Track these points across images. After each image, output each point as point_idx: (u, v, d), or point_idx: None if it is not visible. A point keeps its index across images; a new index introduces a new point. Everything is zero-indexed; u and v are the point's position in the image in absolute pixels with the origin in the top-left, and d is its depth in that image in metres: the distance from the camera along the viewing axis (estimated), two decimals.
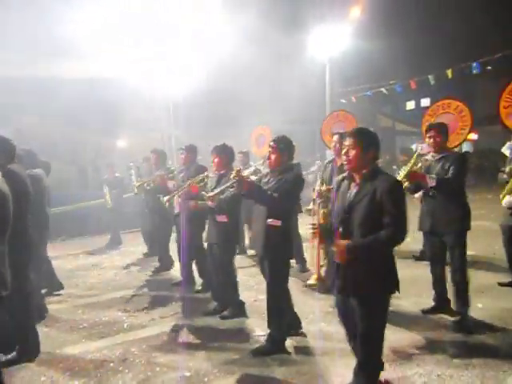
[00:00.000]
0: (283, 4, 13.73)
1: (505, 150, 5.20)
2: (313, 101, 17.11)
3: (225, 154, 4.65)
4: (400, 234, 2.72)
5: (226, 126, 13.84)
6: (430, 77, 13.59)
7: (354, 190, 2.89)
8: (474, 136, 28.27)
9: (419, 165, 4.35)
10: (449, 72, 13.26)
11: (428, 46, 16.90)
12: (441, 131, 4.27)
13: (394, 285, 2.87)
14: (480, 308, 4.61)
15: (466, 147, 26.68)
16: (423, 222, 4.43)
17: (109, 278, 6.64)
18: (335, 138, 4.98)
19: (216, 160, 4.64)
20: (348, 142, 2.90)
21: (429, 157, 4.38)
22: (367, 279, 2.77)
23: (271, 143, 3.82)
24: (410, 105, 31.32)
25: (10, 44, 10.75)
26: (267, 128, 8.82)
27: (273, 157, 3.78)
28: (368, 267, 2.76)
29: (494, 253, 7.13)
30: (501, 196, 5.08)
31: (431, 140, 4.28)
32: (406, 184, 4.18)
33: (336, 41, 17.10)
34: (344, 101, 17.77)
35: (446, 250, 4.31)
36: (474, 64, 14.16)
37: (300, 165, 5.67)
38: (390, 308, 2.96)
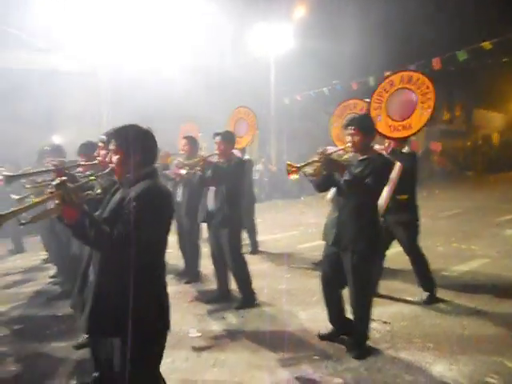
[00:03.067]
0: (229, 3, 13.64)
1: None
2: (258, 98, 17.15)
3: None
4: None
5: (159, 121, 13.47)
6: (370, 78, 14.00)
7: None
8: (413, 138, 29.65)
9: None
10: (388, 74, 13.70)
11: (370, 47, 17.42)
12: (363, 128, 3.51)
13: None
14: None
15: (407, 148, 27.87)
16: (327, 231, 3.80)
17: None
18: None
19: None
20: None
21: (351, 156, 3.72)
22: None
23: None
24: None
25: None
26: (193, 124, 8.46)
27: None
28: None
29: (425, 248, 7.39)
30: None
31: (349, 139, 3.56)
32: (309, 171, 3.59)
33: (281, 40, 17.32)
34: (287, 100, 18.01)
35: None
36: (412, 67, 14.81)
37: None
38: None
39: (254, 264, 6.59)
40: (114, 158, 2.27)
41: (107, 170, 2.40)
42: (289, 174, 3.52)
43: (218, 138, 4.80)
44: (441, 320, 4.34)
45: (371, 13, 18.42)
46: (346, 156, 3.77)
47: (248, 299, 4.84)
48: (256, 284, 5.04)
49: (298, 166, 3.51)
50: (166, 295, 2.33)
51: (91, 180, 2.49)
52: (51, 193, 2.05)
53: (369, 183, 3.37)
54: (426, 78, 4.52)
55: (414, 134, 4.66)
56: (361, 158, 3.58)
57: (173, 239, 6.27)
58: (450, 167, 25.44)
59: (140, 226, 2.08)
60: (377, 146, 4.65)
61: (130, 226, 2.07)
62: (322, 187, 3.76)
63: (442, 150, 27.37)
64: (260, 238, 7.70)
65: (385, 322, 4.30)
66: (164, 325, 2.29)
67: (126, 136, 2.26)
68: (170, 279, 5.93)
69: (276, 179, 15.62)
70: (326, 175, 3.53)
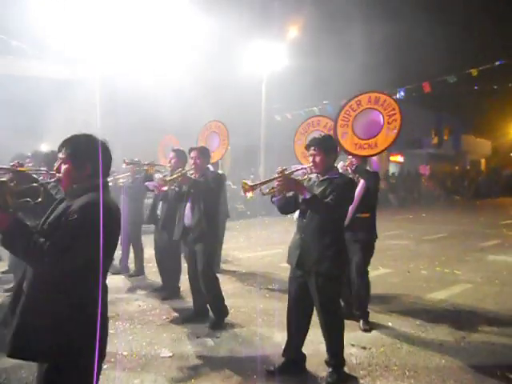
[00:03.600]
0: (221, 20, 13.74)
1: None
2: (249, 115, 17.22)
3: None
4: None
5: (150, 131, 13.37)
6: None
7: None
8: (400, 158, 29.97)
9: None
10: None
11: (359, 68, 17.64)
12: (325, 149, 3.47)
13: None
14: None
15: (392, 169, 28.14)
16: (290, 253, 3.65)
17: None
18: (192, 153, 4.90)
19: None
20: None
21: (313, 176, 3.64)
22: None
23: None
24: None
25: None
26: (172, 136, 8.41)
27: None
28: None
29: (408, 271, 7.36)
30: None
31: (311, 159, 3.51)
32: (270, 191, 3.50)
33: (274, 58, 17.46)
34: (279, 118, 18.08)
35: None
36: (400, 89, 15.03)
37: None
38: None
39: (233, 282, 6.49)
40: (62, 168, 2.13)
41: (53, 180, 2.31)
42: (244, 192, 3.48)
43: (193, 153, 4.76)
44: (420, 347, 4.24)
45: (363, 35, 18.70)
46: (309, 176, 3.73)
47: (220, 316, 4.70)
48: (234, 303, 4.90)
49: (252, 184, 3.47)
50: (103, 320, 2.09)
51: (35, 187, 2.36)
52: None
53: (330, 202, 3.29)
54: (392, 100, 4.72)
55: (379, 153, 4.76)
56: (322, 178, 3.52)
57: (152, 253, 6.29)
58: (438, 191, 25.66)
59: (76, 241, 1.91)
60: (341, 163, 4.73)
61: (65, 240, 1.90)
62: (284, 208, 3.61)
63: (430, 174, 27.68)
64: (243, 255, 7.59)
65: (363, 348, 4.18)
66: (97, 353, 2.04)
67: (77, 146, 2.13)
68: (146, 295, 5.79)
69: (263, 196, 15.52)
70: (285, 195, 3.46)
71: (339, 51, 17.60)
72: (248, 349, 4.13)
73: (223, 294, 4.78)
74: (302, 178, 3.74)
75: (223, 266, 7.32)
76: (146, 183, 5.46)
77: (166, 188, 5.01)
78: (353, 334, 4.44)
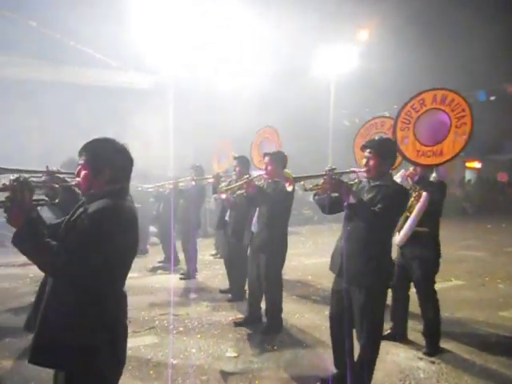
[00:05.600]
0: (288, 24, 13.84)
1: (396, 179, 4.57)
2: (316, 120, 17.17)
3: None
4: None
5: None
6: None
7: None
8: (477, 165, 28.22)
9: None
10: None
11: (435, 71, 16.90)
12: (381, 153, 3.25)
13: None
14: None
15: (468, 176, 26.61)
16: (333, 260, 3.48)
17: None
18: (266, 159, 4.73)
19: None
20: None
21: (364, 181, 3.42)
22: None
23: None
24: None
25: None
26: (228, 142, 8.52)
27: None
28: None
29: (483, 284, 6.96)
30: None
31: (364, 162, 3.29)
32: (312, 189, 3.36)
33: (342, 61, 17.25)
34: (347, 122, 17.82)
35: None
36: (480, 92, 14.18)
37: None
38: None
39: (298, 288, 6.50)
40: (81, 173, 2.10)
41: (72, 183, 2.32)
42: (286, 183, 3.41)
43: (266, 159, 4.69)
44: (494, 366, 4.00)
45: (438, 34, 17.92)
46: (360, 180, 3.48)
47: (274, 326, 4.71)
48: (298, 309, 4.90)
49: (296, 176, 3.34)
50: (120, 329, 2.07)
51: (56, 187, 2.45)
52: (4, 185, 1.89)
53: (377, 211, 3.04)
54: (462, 99, 3.94)
55: (445, 163, 4.05)
56: (373, 184, 3.27)
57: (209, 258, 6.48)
58: None
59: (85, 246, 1.85)
60: (402, 171, 4.33)
61: (74, 244, 1.86)
62: (326, 209, 3.38)
63: (508, 181, 25.78)
64: (309, 261, 7.59)
65: (432, 362, 4.03)
66: (115, 361, 2.03)
67: (96, 151, 2.10)
68: (214, 296, 5.99)
69: None
70: (329, 195, 3.24)
71: (411, 53, 17.02)
72: (310, 355, 4.15)
73: (287, 298, 4.80)
74: (353, 181, 3.49)
75: (288, 272, 7.38)
76: (214, 195, 5.69)
77: (223, 196, 5.19)
78: (421, 345, 4.29)
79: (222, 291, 6.13)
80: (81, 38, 11.81)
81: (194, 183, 6.74)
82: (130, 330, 4.66)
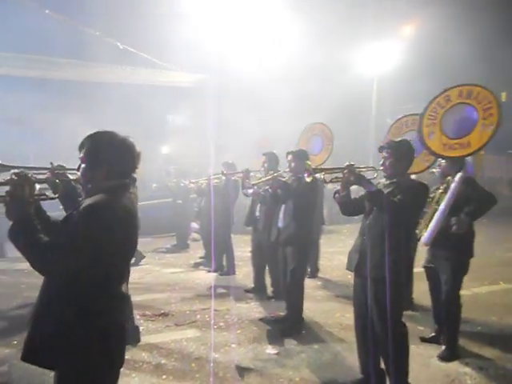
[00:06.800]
0: (331, 19, 13.69)
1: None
2: (358, 117, 16.90)
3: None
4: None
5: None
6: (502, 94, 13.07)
7: None
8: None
9: None
10: (503, 95, 12.76)
11: (483, 66, 16.22)
12: (396, 153, 3.35)
13: None
14: None
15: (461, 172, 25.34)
16: (350, 258, 3.49)
17: (132, 281, 6.63)
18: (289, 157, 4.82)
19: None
20: None
21: (382, 180, 3.53)
22: None
23: None
24: None
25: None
26: (267, 139, 8.43)
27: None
28: None
29: None
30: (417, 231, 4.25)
31: (382, 161, 3.42)
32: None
33: (385, 58, 16.88)
34: (390, 120, 17.39)
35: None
36: None
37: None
38: None
39: (336, 287, 6.42)
40: (81, 167, 2.06)
41: (74, 178, 2.36)
42: (306, 173, 3.55)
43: (289, 157, 4.81)
44: None
45: (485, 28, 17.16)
46: (378, 180, 3.58)
47: (292, 325, 4.66)
48: (338, 307, 4.81)
49: (315, 168, 3.45)
50: (115, 330, 1.98)
51: (56, 183, 2.51)
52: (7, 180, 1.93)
53: (396, 201, 3.11)
54: (488, 92, 4.07)
55: (472, 154, 4.20)
56: (390, 181, 3.37)
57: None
58: None
59: (75, 241, 1.80)
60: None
61: (64, 239, 1.82)
62: (345, 206, 3.49)
63: None
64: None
65: (480, 368, 3.88)
66: (107, 362, 1.95)
67: (94, 145, 2.02)
68: (252, 293, 6.03)
69: None
70: (348, 192, 3.39)
71: (459, 48, 16.41)
72: (351, 355, 4.08)
73: (328, 297, 4.76)
74: (372, 178, 3.59)
75: (329, 271, 7.33)
76: (244, 190, 5.78)
77: (250, 191, 5.39)
78: (468, 350, 4.15)
79: (246, 291, 6.13)
80: (132, 40, 12.22)
81: (224, 179, 6.79)
82: (172, 323, 4.85)
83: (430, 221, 4.15)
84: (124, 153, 2.05)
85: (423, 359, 3.82)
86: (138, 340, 4.33)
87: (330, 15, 13.88)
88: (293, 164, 4.77)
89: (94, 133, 2.07)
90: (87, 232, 1.81)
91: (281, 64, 13.86)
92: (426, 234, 4.13)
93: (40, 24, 10.37)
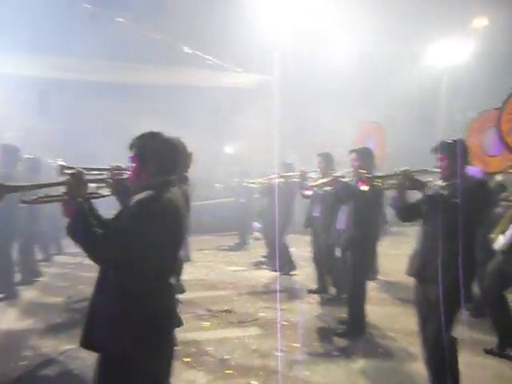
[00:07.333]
0: (398, 13, 13.24)
1: None
2: (424, 113, 16.25)
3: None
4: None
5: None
6: None
7: None
8: None
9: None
10: None
11: None
12: (450, 155, 3.21)
13: None
14: None
15: None
16: (410, 263, 3.42)
17: (198, 278, 6.90)
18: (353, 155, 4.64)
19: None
20: None
21: (439, 183, 3.39)
22: None
23: None
24: None
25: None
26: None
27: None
28: None
29: None
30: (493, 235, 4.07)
31: (438, 164, 3.31)
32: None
33: (456, 52, 16.10)
34: (460, 117, 16.56)
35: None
36: None
37: None
38: None
39: (398, 290, 6.24)
40: (131, 167, 2.24)
41: (123, 177, 2.49)
42: (360, 182, 3.50)
43: (353, 155, 4.62)
44: None
45: None
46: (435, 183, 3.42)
47: (354, 329, 4.56)
48: (397, 311, 4.68)
49: (370, 176, 3.43)
50: (163, 319, 2.10)
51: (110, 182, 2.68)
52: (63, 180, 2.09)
53: (455, 201, 2.99)
54: None
55: None
56: (446, 183, 3.25)
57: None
58: None
59: (126, 235, 1.94)
60: None
61: (116, 233, 1.97)
62: (402, 212, 3.42)
63: None
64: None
65: None
66: (155, 352, 2.04)
67: (144, 145, 2.19)
68: (315, 293, 6.03)
69: None
70: (404, 198, 3.32)
71: None
72: (414, 364, 3.95)
73: (392, 300, 4.64)
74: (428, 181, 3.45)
75: (394, 274, 7.14)
76: (301, 191, 5.85)
77: (308, 193, 5.43)
78: None
79: (310, 291, 6.12)
80: (191, 42, 12.59)
81: (283, 180, 6.80)
82: (235, 320, 4.97)
83: (507, 226, 3.91)
84: (170, 151, 2.22)
85: (480, 371, 3.64)
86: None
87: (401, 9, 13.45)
88: (356, 163, 4.57)
89: (142, 134, 2.24)
90: (137, 225, 1.96)
91: (343, 62, 13.63)
92: (500, 239, 3.92)
93: (128, 36, 11.19)
